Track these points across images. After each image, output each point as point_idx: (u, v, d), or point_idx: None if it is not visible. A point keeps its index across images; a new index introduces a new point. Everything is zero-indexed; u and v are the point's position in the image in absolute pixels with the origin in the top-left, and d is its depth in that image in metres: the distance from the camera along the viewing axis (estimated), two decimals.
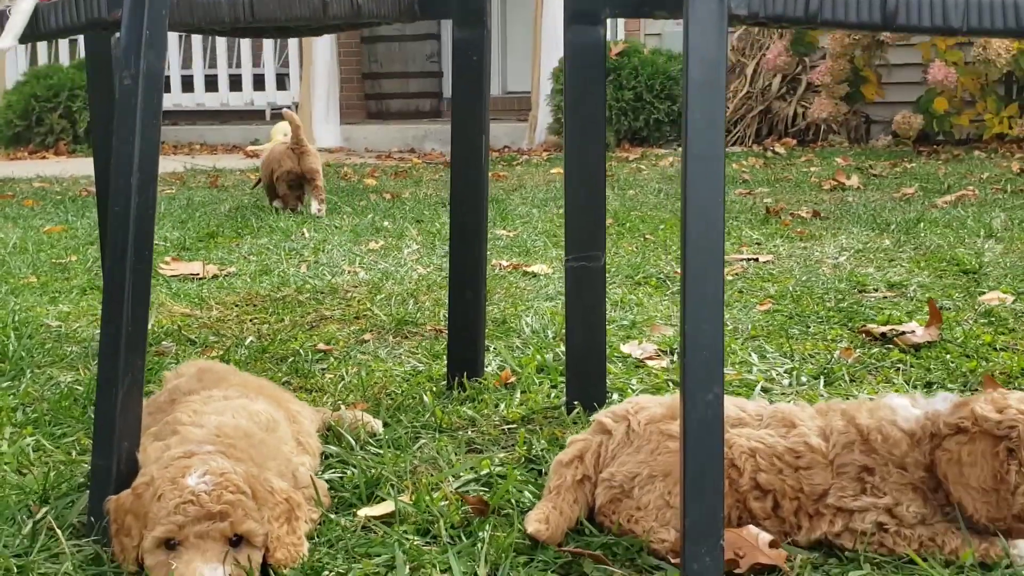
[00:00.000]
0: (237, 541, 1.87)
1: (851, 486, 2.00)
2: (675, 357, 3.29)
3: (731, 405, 2.19)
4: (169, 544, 1.84)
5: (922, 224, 5.54)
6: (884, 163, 9.16)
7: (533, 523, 2.01)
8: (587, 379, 2.82)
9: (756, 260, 4.77)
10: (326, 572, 1.89)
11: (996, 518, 1.95)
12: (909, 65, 11.21)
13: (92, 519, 2.02)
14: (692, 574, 1.71)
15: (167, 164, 11.66)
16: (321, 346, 3.47)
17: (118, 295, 2.03)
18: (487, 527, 2.05)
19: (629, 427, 2.13)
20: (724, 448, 2.03)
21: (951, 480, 1.97)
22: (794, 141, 11.39)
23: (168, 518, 1.83)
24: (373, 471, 2.35)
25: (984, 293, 3.92)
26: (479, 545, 1.98)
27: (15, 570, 1.91)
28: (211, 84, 14.98)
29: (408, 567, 1.93)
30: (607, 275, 4.42)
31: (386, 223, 6.28)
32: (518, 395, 2.91)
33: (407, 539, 2.04)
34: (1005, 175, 7.93)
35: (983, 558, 1.94)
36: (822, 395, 2.85)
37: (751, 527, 1.97)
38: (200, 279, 4.68)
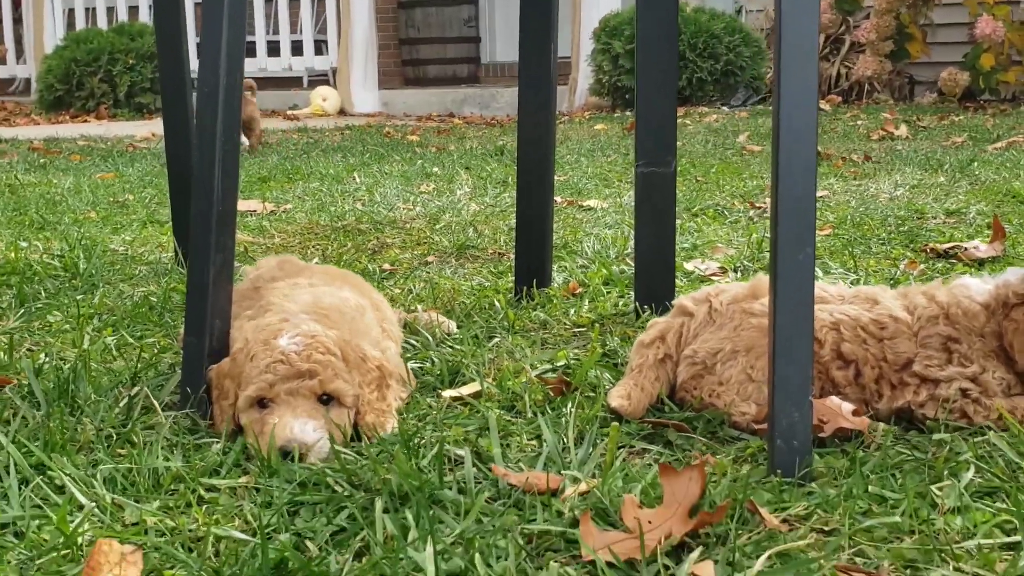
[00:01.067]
0: (327, 400, 1.92)
1: (937, 356, 2.02)
2: (738, 273, 3.31)
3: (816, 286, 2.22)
4: (262, 403, 1.90)
5: (975, 164, 5.50)
6: (931, 117, 9.08)
7: (616, 398, 2.05)
8: (655, 283, 2.85)
9: None
10: (418, 437, 1.93)
11: None
12: (954, 24, 11.08)
13: (187, 389, 2.07)
14: (781, 430, 1.74)
15: None
16: (386, 266, 3.51)
17: (208, 173, 2.08)
18: (570, 404, 2.09)
19: (711, 307, 2.16)
20: None
21: (1017, 349, 2.00)
22: (839, 99, 11.30)
23: (260, 377, 1.89)
24: (453, 360, 2.39)
25: None
26: (563, 418, 2.02)
27: (115, 437, 1.97)
28: (249, 50, 15.06)
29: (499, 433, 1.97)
30: None
31: (435, 169, 6.31)
32: (586, 303, 2.94)
33: (494, 412, 2.07)
34: None
35: None
36: None
37: (833, 397, 2.00)
38: (258, 215, 4.74)
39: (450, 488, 1.70)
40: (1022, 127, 8.00)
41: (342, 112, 15.87)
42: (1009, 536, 1.52)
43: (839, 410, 1.94)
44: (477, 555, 1.42)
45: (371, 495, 1.67)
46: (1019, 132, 7.51)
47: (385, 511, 1.61)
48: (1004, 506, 1.60)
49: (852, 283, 3.08)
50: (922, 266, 3.24)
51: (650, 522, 1.51)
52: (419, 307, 2.79)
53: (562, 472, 1.77)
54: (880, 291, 2.17)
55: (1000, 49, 10.07)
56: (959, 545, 1.49)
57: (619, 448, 1.92)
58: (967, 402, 2.00)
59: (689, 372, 2.11)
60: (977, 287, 2.11)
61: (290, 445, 1.83)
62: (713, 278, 3.25)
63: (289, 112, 14.39)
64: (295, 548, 1.51)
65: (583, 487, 1.69)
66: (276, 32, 15.23)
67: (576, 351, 2.54)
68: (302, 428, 1.85)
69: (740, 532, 1.53)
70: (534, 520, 1.60)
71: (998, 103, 10.32)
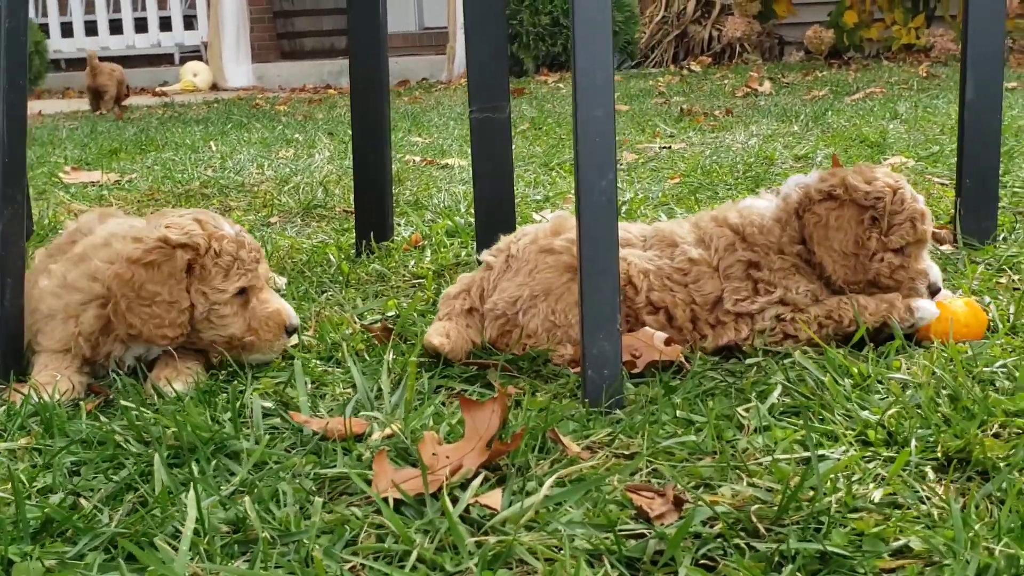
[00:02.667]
0: None
1: (742, 285, 2.03)
2: None
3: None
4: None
5: (829, 113, 5.60)
6: (796, 73, 9.24)
7: (436, 336, 1.99)
8: (497, 230, 2.79)
9: (669, 148, 4.78)
10: (219, 390, 1.85)
11: (852, 281, 2.03)
12: None
13: None
14: (591, 359, 1.71)
15: (71, 105, 11.33)
16: None
17: None
18: (390, 351, 2.03)
19: (508, 255, 2.11)
20: (623, 263, 2.06)
21: (816, 241, 2.03)
22: (709, 60, 11.43)
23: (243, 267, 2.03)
24: None
25: (888, 159, 3.97)
26: (383, 365, 1.95)
27: None
28: (116, 28, 14.56)
29: (309, 382, 1.90)
30: (522, 163, 4.41)
31: (297, 135, 6.17)
32: (428, 254, 2.88)
33: (309, 363, 2.00)
34: (913, 77, 8.05)
35: (885, 319, 1.97)
36: None
37: (647, 328, 1.97)
38: (99, 185, 4.55)
39: (247, 439, 1.63)
40: (881, 79, 8.19)
41: (214, 87, 15.44)
42: (807, 451, 1.51)
43: (652, 342, 1.92)
44: (249, 501, 1.35)
45: (156, 450, 1.58)
46: (878, 84, 7.69)
47: (173, 465, 1.53)
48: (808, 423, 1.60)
49: None
50: None
51: (447, 457, 1.46)
52: None
53: (371, 417, 1.71)
54: (677, 228, 2.15)
55: (863, 6, 10.30)
56: (756, 462, 1.47)
57: (439, 390, 1.87)
58: (785, 324, 2.01)
59: (495, 328, 2.05)
60: (764, 204, 2.13)
61: (295, 322, 2.05)
62: None
63: (159, 89, 13.95)
64: (71, 508, 1.42)
65: (389, 430, 1.64)
66: (143, 8, 14.74)
67: (410, 300, 2.48)
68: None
69: (541, 460, 1.49)
70: (333, 465, 1.54)
71: (862, 59, 10.56)
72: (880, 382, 1.78)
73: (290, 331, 2.03)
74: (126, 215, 2.46)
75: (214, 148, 5.77)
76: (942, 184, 3.47)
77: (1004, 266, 2.55)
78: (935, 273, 2.08)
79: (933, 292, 2.07)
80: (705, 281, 2.05)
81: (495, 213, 2.78)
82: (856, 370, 1.79)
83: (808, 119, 5.45)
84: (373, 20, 2.91)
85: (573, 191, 3.59)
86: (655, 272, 2.06)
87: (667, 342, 1.94)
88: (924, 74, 8.30)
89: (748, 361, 1.90)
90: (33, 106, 11.23)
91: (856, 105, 6.07)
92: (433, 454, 1.47)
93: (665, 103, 7.45)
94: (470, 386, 1.89)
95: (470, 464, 1.42)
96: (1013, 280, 2.44)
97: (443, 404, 1.80)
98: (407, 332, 2.18)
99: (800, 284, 2.03)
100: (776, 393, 1.70)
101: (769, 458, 1.47)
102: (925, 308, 2.00)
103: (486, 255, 2.18)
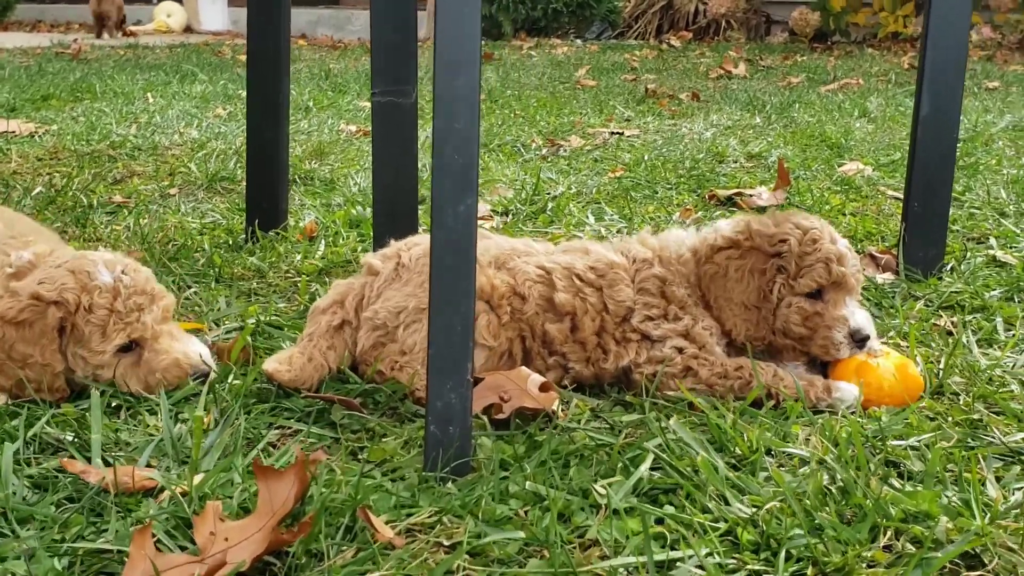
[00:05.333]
0: None
1: (655, 302, 1.81)
2: (509, 217, 3.03)
3: (518, 242, 1.96)
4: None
5: (797, 105, 5.33)
6: (776, 56, 8.96)
7: (272, 363, 1.73)
8: (397, 226, 2.52)
9: (621, 134, 4.51)
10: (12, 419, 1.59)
11: (756, 337, 1.82)
12: None
13: None
14: (435, 413, 1.46)
15: (34, 39, 10.94)
16: (118, 199, 3.12)
17: None
18: (230, 375, 1.77)
19: (399, 263, 1.86)
20: (507, 277, 1.82)
21: (714, 295, 1.82)
22: (690, 35, 11.12)
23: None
24: None
25: (844, 164, 3.73)
26: (200, 396, 1.69)
27: None
28: None
29: (124, 410, 1.64)
30: None
31: (241, 92, 5.85)
32: (322, 247, 2.62)
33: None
34: (893, 69, 7.78)
35: (800, 396, 1.73)
36: None
37: (523, 368, 1.73)
38: (13, 136, 4.25)
39: (16, 485, 1.37)
40: (861, 69, 7.93)
41: (188, 29, 15.04)
42: (668, 551, 1.27)
43: (525, 385, 1.67)
44: None
45: None
46: (857, 74, 7.42)
47: None
48: (671, 510, 1.36)
49: (622, 231, 2.83)
50: (698, 214, 3.01)
51: (226, 539, 1.21)
52: (102, 248, 2.40)
53: (170, 467, 1.45)
54: (590, 243, 1.94)
55: None
56: (593, 568, 1.23)
57: (271, 429, 1.62)
58: (688, 357, 1.78)
59: (370, 339, 1.81)
60: (686, 235, 1.94)
61: (202, 368, 1.76)
62: (480, 221, 2.95)
63: (129, 28, 13.55)
64: None
65: (181, 487, 1.38)
66: None
67: (284, 304, 2.22)
68: (196, 347, 1.78)
69: (344, 547, 1.25)
70: (104, 530, 1.29)
71: (847, 44, 10.28)
72: (771, 452, 1.54)
73: (197, 376, 1.74)
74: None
75: (151, 100, 5.46)
76: (896, 198, 3.22)
77: (944, 304, 2.31)
78: (860, 320, 1.83)
79: (858, 340, 1.82)
80: (621, 287, 1.82)
81: (396, 207, 2.51)
82: (745, 438, 1.55)
83: (773, 110, 5.19)
84: None
85: (512, 182, 3.36)
86: (563, 271, 1.83)
87: (542, 387, 1.69)
88: (906, 66, 8.04)
89: (626, 418, 1.65)
90: None
91: (828, 98, 5.81)
92: (212, 533, 1.22)
93: (634, 80, 7.16)
94: (309, 425, 1.64)
95: (244, 554, 1.17)
96: (950, 324, 2.20)
97: (268, 449, 1.55)
98: (264, 346, 1.92)
99: (706, 318, 1.81)
100: (646, 465, 1.45)
101: (608, 565, 1.22)
102: (845, 390, 1.75)
103: (371, 258, 1.93)
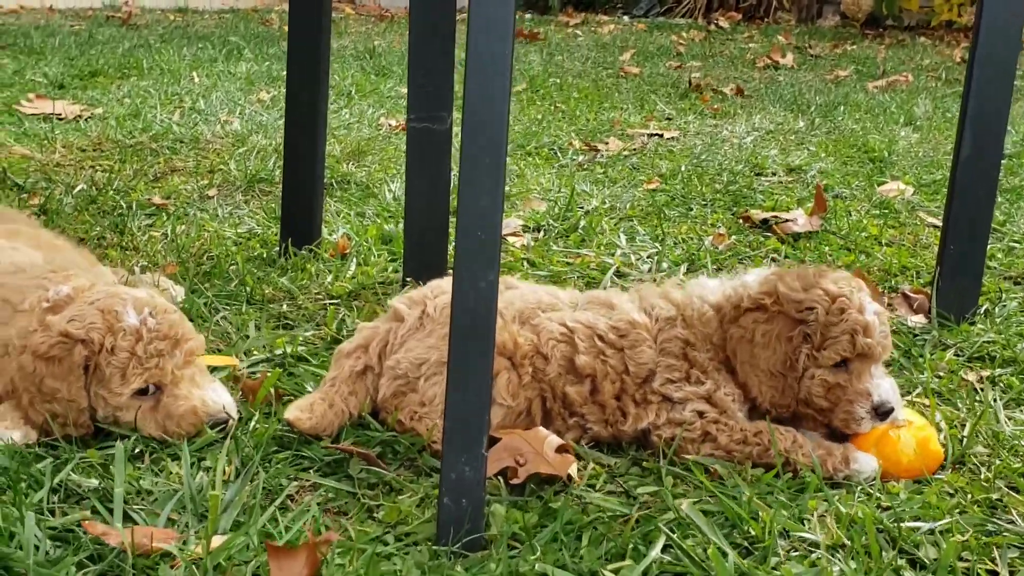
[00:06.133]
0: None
1: (677, 364, 1.81)
2: (541, 233, 3.03)
3: (543, 292, 1.96)
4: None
5: (842, 108, 5.26)
6: (826, 43, 8.82)
7: (293, 411, 1.76)
8: (427, 252, 2.55)
9: (660, 136, 4.48)
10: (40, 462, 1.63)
11: (781, 404, 1.80)
12: None
13: None
14: (449, 484, 1.48)
15: (84, 0, 11.01)
16: (157, 200, 3.15)
17: None
18: (253, 418, 1.80)
19: (424, 312, 1.87)
20: (530, 334, 1.83)
21: (739, 359, 1.80)
22: (739, 15, 10.96)
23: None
24: None
25: (885, 183, 3.68)
26: (223, 449, 1.71)
27: None
28: None
29: (147, 457, 1.68)
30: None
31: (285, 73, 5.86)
32: (353, 267, 2.64)
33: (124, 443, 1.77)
34: (945, 63, 7.64)
35: (818, 465, 1.73)
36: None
37: (541, 429, 1.74)
38: (61, 119, 4.30)
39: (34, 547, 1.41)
40: (912, 61, 7.79)
41: None
42: None
43: (542, 447, 1.69)
44: None
45: None
46: (907, 67, 7.30)
47: None
48: None
49: (653, 256, 2.82)
50: (732, 239, 2.99)
51: None
52: (135, 270, 2.43)
53: (189, 523, 1.49)
54: (615, 295, 1.93)
55: None
56: None
57: (290, 481, 1.65)
58: (708, 422, 1.78)
59: (391, 387, 1.83)
60: (713, 288, 1.91)
61: (220, 416, 1.77)
62: (510, 239, 2.96)
63: None
64: None
65: (200, 548, 1.41)
66: None
67: (313, 331, 2.24)
68: (215, 395, 1.79)
69: None
70: None
71: (899, 31, 10.10)
72: (786, 535, 1.54)
73: (214, 424, 1.75)
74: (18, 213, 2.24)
75: (196, 80, 5.49)
76: (934, 226, 3.18)
77: (975, 355, 2.29)
78: (884, 392, 1.80)
79: (881, 414, 1.80)
80: (643, 348, 1.82)
81: (426, 234, 2.53)
82: (759, 517, 1.55)
83: (818, 112, 5.12)
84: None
85: (547, 192, 3.35)
86: (584, 331, 1.83)
87: (559, 448, 1.70)
88: (958, 59, 7.89)
89: (641, 489, 1.66)
90: None
91: (874, 98, 5.72)
92: None
93: (679, 67, 7.09)
94: (328, 479, 1.67)
95: None
96: (981, 378, 2.18)
97: (286, 503, 1.58)
98: (287, 385, 1.95)
99: (728, 384, 1.80)
100: (657, 548, 1.47)
101: None
102: (863, 462, 1.74)
103: (398, 303, 1.94)
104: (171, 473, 1.65)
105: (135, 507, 1.54)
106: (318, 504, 1.59)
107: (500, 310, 1.87)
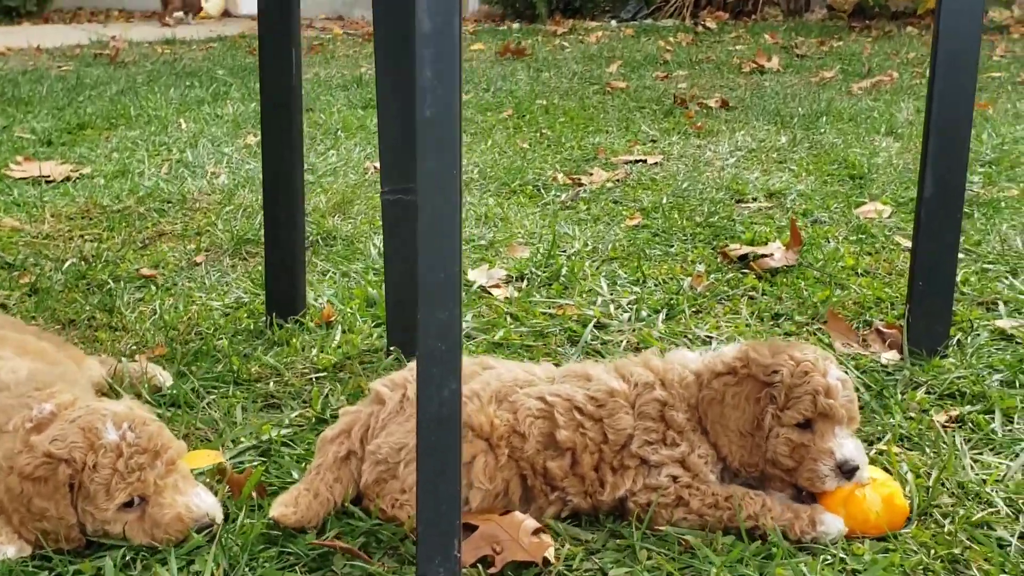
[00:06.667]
0: None
1: (654, 426, 1.88)
2: (524, 283, 3.09)
3: (520, 370, 2.02)
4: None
5: (825, 119, 5.31)
6: (813, 40, 8.86)
7: (278, 507, 1.82)
8: (409, 321, 2.61)
9: (644, 162, 4.54)
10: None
11: (749, 463, 1.88)
12: None
13: None
14: None
15: (71, 35, 11.10)
16: (145, 271, 3.22)
17: None
18: (239, 516, 1.86)
19: (404, 395, 1.93)
20: (507, 414, 1.88)
21: (710, 419, 1.88)
22: (727, 15, 11.01)
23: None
24: None
25: (864, 204, 3.73)
26: (209, 554, 1.77)
27: None
28: None
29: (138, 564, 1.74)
30: (483, 181, 4.19)
31: None
32: (338, 335, 2.70)
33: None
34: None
35: (786, 530, 1.80)
36: (657, 335, 2.66)
37: (517, 514, 1.80)
38: (49, 182, 4.37)
39: None
40: (898, 55, 7.84)
41: (226, 14, 15.15)
42: None
43: (518, 532, 1.75)
44: None
45: None
46: (892, 64, 7.34)
47: None
48: None
49: (631, 302, 2.87)
50: (712, 278, 3.05)
51: None
52: (123, 360, 2.48)
53: None
54: (591, 366, 1.99)
55: None
56: None
57: None
58: (680, 487, 1.85)
59: (372, 473, 1.89)
60: (693, 358, 1.99)
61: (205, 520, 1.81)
62: (493, 291, 3.02)
63: (168, 19, 13.69)
64: None
65: None
66: None
67: (300, 411, 2.30)
68: (198, 499, 1.82)
69: None
70: None
71: (886, 20, 10.13)
72: None
73: (200, 528, 1.81)
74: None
75: (183, 127, 5.56)
76: (909, 251, 3.23)
77: (945, 392, 2.34)
78: (848, 451, 1.86)
79: (846, 472, 1.86)
80: (621, 416, 1.89)
81: (406, 300, 2.59)
82: None
83: (801, 125, 5.17)
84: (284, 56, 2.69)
85: (530, 236, 3.41)
86: (563, 404, 1.89)
87: (536, 531, 1.77)
88: None
89: (614, 572, 1.72)
90: (35, 35, 11.02)
91: (858, 102, 5.76)
92: None
93: (666, 77, 7.15)
94: (312, 575, 1.73)
95: None
96: (950, 418, 2.24)
97: None
98: (273, 477, 2.01)
99: (703, 445, 1.87)
100: None
101: None
102: (829, 523, 1.81)
103: (379, 386, 2.00)
104: None
105: None
106: None
107: (477, 391, 1.94)
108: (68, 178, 4.43)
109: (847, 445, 1.87)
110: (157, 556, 1.78)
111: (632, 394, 1.92)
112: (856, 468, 1.87)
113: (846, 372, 2.31)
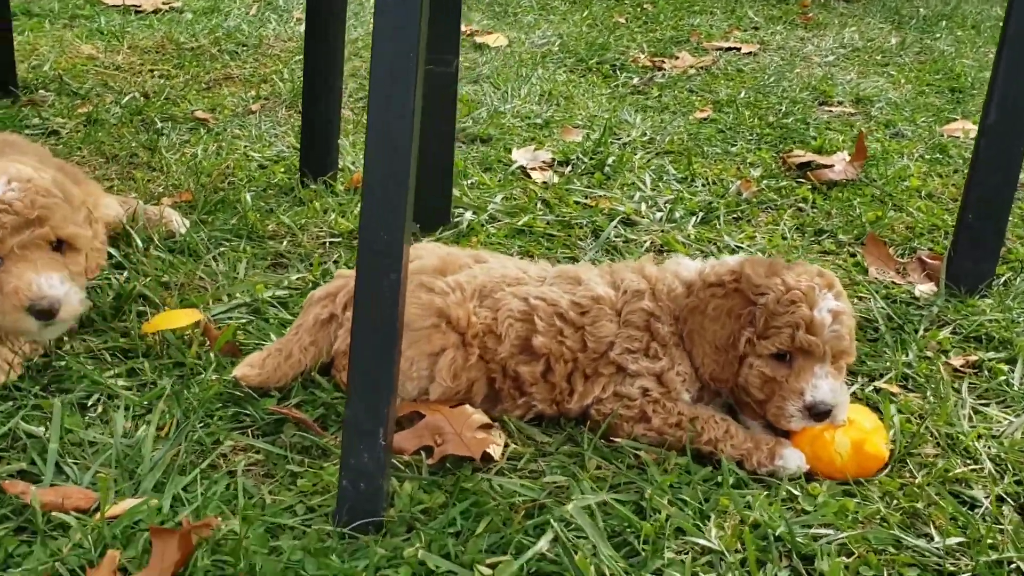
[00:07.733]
0: (59, 246, 1.82)
1: (637, 335, 1.83)
2: (569, 168, 3.01)
3: (512, 265, 1.97)
4: None
5: (946, 23, 4.95)
6: None
7: (243, 367, 1.84)
8: (431, 195, 2.57)
9: (737, 50, 4.32)
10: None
11: (719, 379, 1.81)
12: None
13: None
14: (348, 468, 1.54)
15: None
16: (200, 113, 3.24)
17: None
18: (208, 368, 1.89)
19: None
20: (487, 312, 1.85)
21: (688, 327, 1.82)
22: None
23: None
24: (130, 284, 2.16)
25: (954, 121, 3.49)
26: (159, 401, 1.80)
27: None
28: None
29: (102, 401, 1.79)
30: (561, 55, 4.06)
31: None
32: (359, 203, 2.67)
33: (109, 372, 1.88)
34: None
35: (743, 459, 1.74)
36: (684, 239, 2.56)
37: (467, 407, 1.78)
38: (139, 11, 4.40)
39: None
40: None
41: None
42: None
43: (464, 426, 1.73)
44: None
45: None
46: None
47: None
48: None
49: (668, 203, 2.77)
50: (763, 184, 2.91)
51: None
52: (140, 202, 2.49)
53: (117, 480, 1.59)
54: (584, 269, 1.93)
55: None
56: None
57: (214, 446, 1.73)
58: (647, 402, 1.80)
59: (344, 342, 1.88)
60: (689, 266, 1.92)
61: (41, 303, 1.76)
62: (533, 174, 2.95)
63: None
64: None
65: (119, 508, 1.52)
66: None
67: (302, 275, 2.31)
68: (48, 283, 1.76)
69: None
70: (30, 553, 1.44)
71: None
72: (682, 532, 1.56)
73: (35, 313, 1.76)
74: (27, 142, 2.34)
75: None
76: None
77: (972, 334, 2.21)
78: (821, 393, 1.76)
79: (815, 415, 1.77)
80: (603, 323, 1.84)
81: (431, 176, 2.54)
82: (655, 516, 1.57)
83: (916, 27, 4.83)
84: None
85: (590, 120, 3.30)
86: (546, 309, 1.85)
87: (484, 427, 1.75)
88: None
89: (547, 478, 1.69)
90: None
91: (989, 9, 5.35)
92: None
93: None
94: (261, 440, 1.75)
95: None
96: (967, 362, 2.11)
97: (217, 461, 1.67)
98: (253, 332, 2.03)
99: (683, 363, 1.82)
100: (544, 542, 1.50)
101: None
102: (788, 458, 1.73)
103: None
104: (116, 425, 1.76)
105: (72, 460, 1.66)
106: (245, 467, 1.68)
107: (461, 284, 1.90)
108: (158, 10, 4.45)
109: (822, 386, 1.77)
110: (116, 401, 1.82)
111: (620, 301, 1.86)
112: (827, 411, 1.77)
113: (864, 301, 2.20)
